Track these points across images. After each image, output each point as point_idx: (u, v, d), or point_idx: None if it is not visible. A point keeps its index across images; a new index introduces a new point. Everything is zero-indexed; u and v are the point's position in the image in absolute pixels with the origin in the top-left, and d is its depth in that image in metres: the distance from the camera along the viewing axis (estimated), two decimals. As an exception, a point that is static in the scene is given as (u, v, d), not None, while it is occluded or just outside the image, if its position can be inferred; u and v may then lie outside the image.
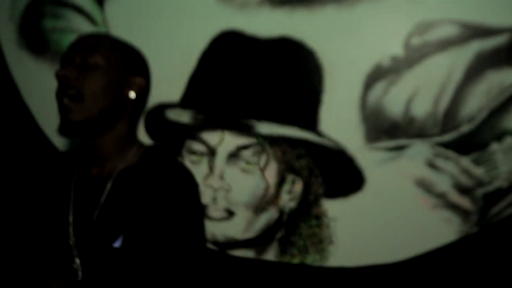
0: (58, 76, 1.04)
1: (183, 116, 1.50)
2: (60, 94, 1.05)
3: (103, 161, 1.11)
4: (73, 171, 1.15)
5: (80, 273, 1.06)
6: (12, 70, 1.69)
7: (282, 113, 1.43)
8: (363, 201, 1.39)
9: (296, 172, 1.45)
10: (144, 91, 1.13)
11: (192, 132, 1.50)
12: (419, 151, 1.34)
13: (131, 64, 1.14)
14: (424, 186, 1.35)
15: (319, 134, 1.41)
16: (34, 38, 1.65)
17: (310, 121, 1.41)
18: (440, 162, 1.34)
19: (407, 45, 1.33)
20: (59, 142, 1.65)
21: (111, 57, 1.09)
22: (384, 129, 1.36)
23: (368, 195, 1.39)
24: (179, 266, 1.06)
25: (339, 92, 1.38)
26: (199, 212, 1.13)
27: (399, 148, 1.36)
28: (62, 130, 1.08)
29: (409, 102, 1.34)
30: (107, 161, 1.11)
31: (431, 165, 1.35)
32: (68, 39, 1.58)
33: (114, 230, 1.06)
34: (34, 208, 1.15)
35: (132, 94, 1.11)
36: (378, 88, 1.35)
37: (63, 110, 1.05)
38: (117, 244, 1.04)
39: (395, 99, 1.34)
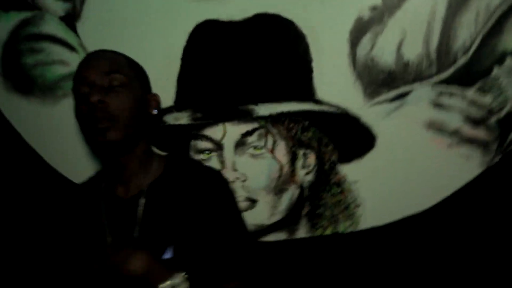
0: (94, 102, 1.06)
1: (181, 119, 1.49)
2: (93, 117, 1.06)
3: (129, 180, 1.13)
4: (97, 198, 1.16)
5: None
6: (6, 116, 1.68)
7: (276, 91, 1.41)
8: (379, 157, 1.37)
9: (306, 146, 1.43)
10: (160, 106, 1.19)
11: (194, 132, 1.48)
12: (421, 94, 1.31)
13: (145, 81, 1.20)
14: (435, 127, 1.32)
15: (318, 102, 1.38)
16: (18, 78, 1.64)
17: (306, 92, 1.39)
18: (445, 100, 1.30)
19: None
20: (73, 175, 1.64)
21: (130, 76, 1.12)
22: (380, 81, 1.33)
23: (381, 150, 1.36)
24: (236, 263, 1.09)
25: (327, 56, 1.35)
26: (238, 205, 1.18)
27: (401, 96, 1.33)
28: (102, 149, 1.11)
29: (399, 49, 1.30)
30: (133, 179, 1.13)
31: (437, 105, 1.31)
32: (51, 71, 1.56)
33: (161, 242, 1.07)
34: (69, 246, 1.16)
35: (155, 111, 1.16)
36: (364, 43, 1.31)
37: (98, 131, 1.06)
38: (167, 255, 1.05)
39: (384, 49, 1.30)
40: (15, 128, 1.66)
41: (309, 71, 1.37)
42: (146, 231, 1.10)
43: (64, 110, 1.53)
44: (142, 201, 1.11)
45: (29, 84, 1.62)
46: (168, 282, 0.99)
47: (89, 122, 1.07)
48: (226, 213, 1.13)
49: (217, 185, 1.15)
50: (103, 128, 1.06)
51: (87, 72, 1.10)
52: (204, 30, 1.44)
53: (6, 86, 1.65)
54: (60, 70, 1.55)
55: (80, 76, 1.11)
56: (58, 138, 1.57)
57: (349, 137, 1.39)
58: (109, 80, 1.09)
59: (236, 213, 1.17)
